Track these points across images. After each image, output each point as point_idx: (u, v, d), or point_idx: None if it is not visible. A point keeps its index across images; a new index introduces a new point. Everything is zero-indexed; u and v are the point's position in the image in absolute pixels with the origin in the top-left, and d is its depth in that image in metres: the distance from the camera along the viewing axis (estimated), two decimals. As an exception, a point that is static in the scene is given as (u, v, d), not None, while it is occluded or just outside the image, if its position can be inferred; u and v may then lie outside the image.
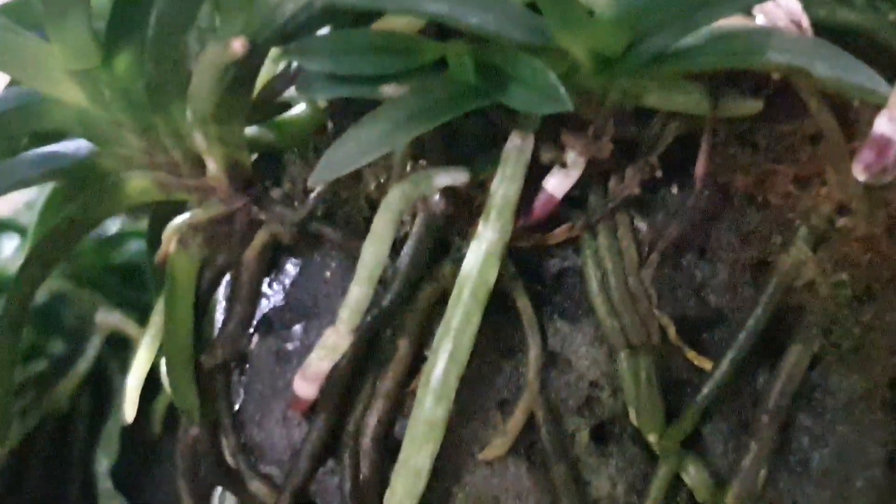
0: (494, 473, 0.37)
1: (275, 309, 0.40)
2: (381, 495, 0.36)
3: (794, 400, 0.36)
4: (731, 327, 0.37)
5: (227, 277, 0.41)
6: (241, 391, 0.40)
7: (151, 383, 0.82)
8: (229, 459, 0.40)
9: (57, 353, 0.83)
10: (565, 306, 0.37)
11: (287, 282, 0.40)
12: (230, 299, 0.40)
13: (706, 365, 0.36)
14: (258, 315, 0.40)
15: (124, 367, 0.82)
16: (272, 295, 0.40)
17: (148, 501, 0.78)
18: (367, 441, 0.37)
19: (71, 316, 0.85)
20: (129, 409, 0.46)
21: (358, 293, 0.35)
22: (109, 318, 0.82)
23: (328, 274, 0.39)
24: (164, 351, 0.39)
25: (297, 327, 0.39)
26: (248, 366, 0.40)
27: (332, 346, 0.35)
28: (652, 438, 0.36)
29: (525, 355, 0.37)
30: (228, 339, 0.40)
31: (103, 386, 0.82)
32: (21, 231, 0.84)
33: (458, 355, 0.35)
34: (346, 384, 0.37)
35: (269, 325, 0.40)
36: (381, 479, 0.36)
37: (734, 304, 0.37)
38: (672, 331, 0.36)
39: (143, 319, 0.79)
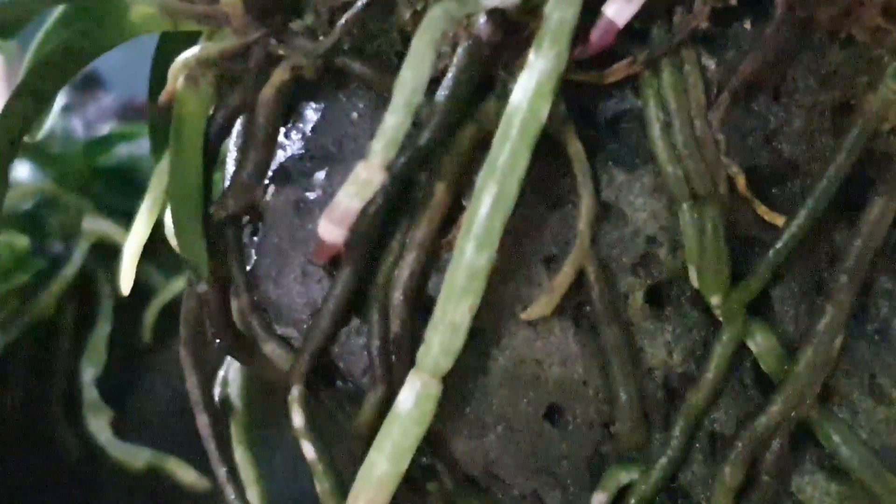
0: (538, 336, 0.33)
1: (293, 158, 0.36)
2: (412, 355, 0.32)
3: (875, 261, 0.32)
4: (805, 181, 0.33)
5: (239, 126, 0.37)
6: (255, 248, 0.36)
7: (141, 292, 0.79)
8: (239, 324, 0.36)
9: (41, 262, 0.79)
10: (621, 154, 0.33)
11: (307, 129, 0.36)
12: (243, 145, 0.36)
13: (778, 220, 0.33)
14: (274, 166, 0.36)
15: (111, 277, 0.79)
16: (290, 145, 0.36)
17: (135, 413, 0.75)
18: (397, 295, 0.33)
19: (56, 223, 0.81)
20: (126, 277, 0.42)
21: (393, 122, 0.30)
22: (97, 225, 0.78)
23: (355, 115, 0.35)
24: (169, 200, 0.35)
25: (320, 174, 0.35)
26: (262, 221, 0.36)
27: (364, 182, 0.31)
28: (715, 301, 0.32)
29: (575, 207, 0.33)
30: (241, 188, 0.35)
31: (89, 297, 0.78)
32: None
33: (504, 198, 0.31)
34: (375, 234, 0.33)
35: (287, 174, 0.36)
36: (413, 338, 0.33)
37: (810, 155, 0.33)
38: (741, 181, 0.32)
39: (129, 225, 0.75)
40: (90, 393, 0.73)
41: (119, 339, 0.76)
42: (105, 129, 0.93)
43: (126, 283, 0.42)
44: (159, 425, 0.74)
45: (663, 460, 0.33)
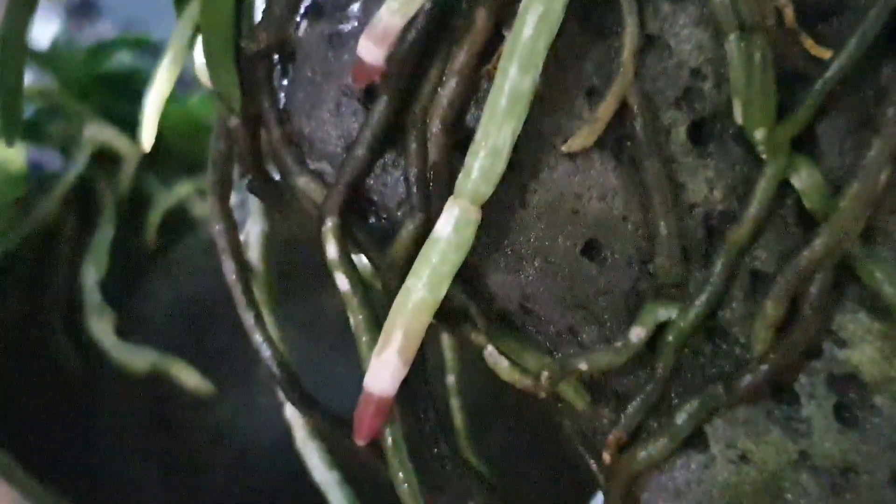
0: (577, 169, 0.33)
1: (326, -6, 0.35)
2: (449, 186, 0.31)
3: (922, 97, 0.32)
4: (851, 18, 0.32)
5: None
6: (287, 85, 0.35)
7: (142, 201, 0.77)
8: (270, 161, 0.36)
9: (41, 170, 0.78)
10: (667, -15, 0.33)
11: (340, -36, 0.35)
12: (275, -20, 0.35)
13: (825, 54, 0.32)
14: (306, 2, 0.35)
15: (112, 185, 0.78)
16: (323, -16, 0.35)
17: (137, 317, 0.74)
18: (436, 123, 0.32)
19: (58, 130, 0.80)
20: (147, 133, 0.41)
21: (438, -64, 0.30)
22: (99, 132, 0.77)
23: (393, -54, 0.34)
24: (202, 33, 0.34)
25: (354, 6, 0.34)
26: (293, 58, 0.35)
27: (407, -3, 0.30)
28: (759, 136, 0.32)
29: (619, 38, 0.32)
30: (274, 21, 0.35)
31: (90, 205, 0.77)
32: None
33: (549, 19, 0.30)
34: (413, 61, 0.32)
35: (320, 9, 0.35)
36: (451, 168, 0.32)
37: (857, -10, 0.32)
38: (790, 12, 0.32)
39: (131, 134, 0.74)
40: (93, 296, 0.72)
41: (121, 246, 0.75)
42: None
43: (148, 138, 0.41)
44: (162, 329, 0.74)
45: (702, 297, 0.32)
